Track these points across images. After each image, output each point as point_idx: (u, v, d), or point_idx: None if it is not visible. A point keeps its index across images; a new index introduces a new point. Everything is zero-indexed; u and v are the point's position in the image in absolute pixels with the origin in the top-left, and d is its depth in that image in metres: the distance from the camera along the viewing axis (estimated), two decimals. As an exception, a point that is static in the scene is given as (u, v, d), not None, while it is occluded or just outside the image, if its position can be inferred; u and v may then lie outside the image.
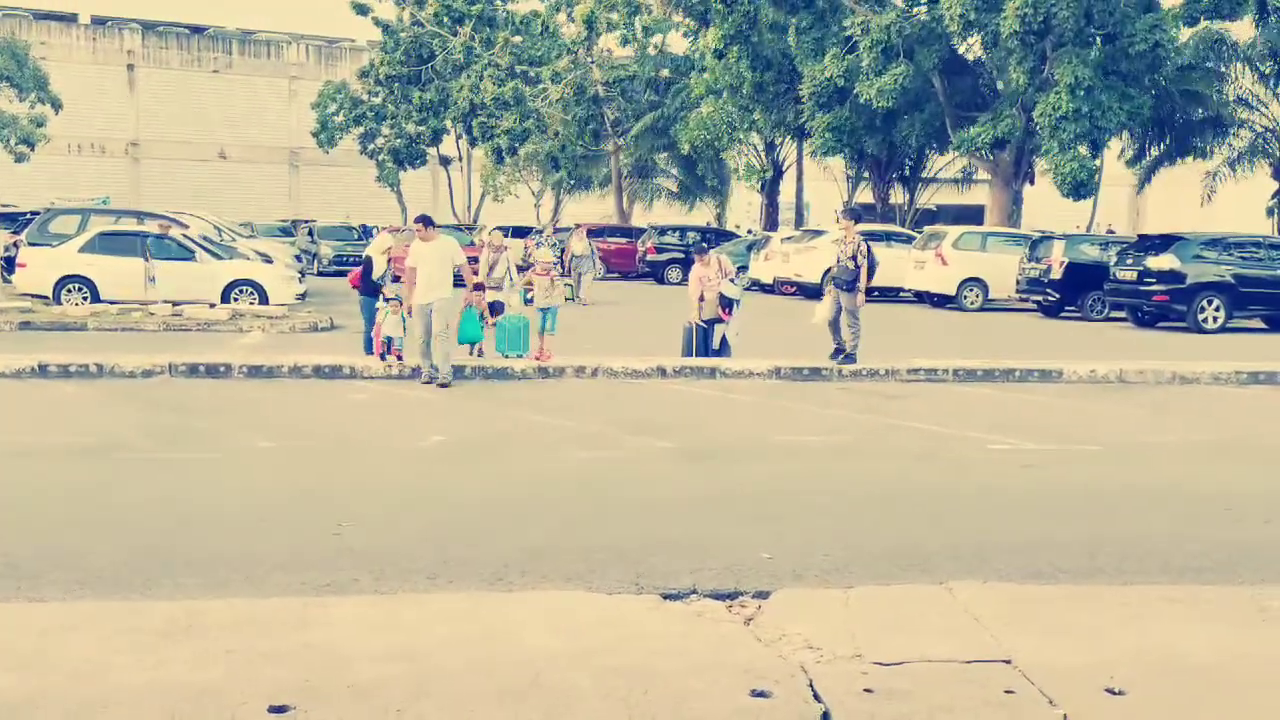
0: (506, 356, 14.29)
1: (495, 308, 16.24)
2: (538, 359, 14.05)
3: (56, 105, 24.81)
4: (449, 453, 9.67)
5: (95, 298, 19.36)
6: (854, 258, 14.38)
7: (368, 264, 14.61)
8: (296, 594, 6.01)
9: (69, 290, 19.42)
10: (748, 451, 9.90)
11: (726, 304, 14.80)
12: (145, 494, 8.05)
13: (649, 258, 36.61)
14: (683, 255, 36.19)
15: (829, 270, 14.98)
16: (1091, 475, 9.25)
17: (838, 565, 6.70)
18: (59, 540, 6.84)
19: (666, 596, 6.09)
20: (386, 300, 13.63)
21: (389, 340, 13.71)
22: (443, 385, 12.79)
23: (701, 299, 14.74)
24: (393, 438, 10.15)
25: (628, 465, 9.24)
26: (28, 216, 27.45)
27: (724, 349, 14.81)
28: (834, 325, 14.57)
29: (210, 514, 7.55)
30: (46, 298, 19.47)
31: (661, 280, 35.73)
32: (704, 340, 14.87)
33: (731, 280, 15.06)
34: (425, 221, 13.41)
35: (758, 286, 30.81)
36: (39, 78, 26.42)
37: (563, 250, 26.45)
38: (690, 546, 7.02)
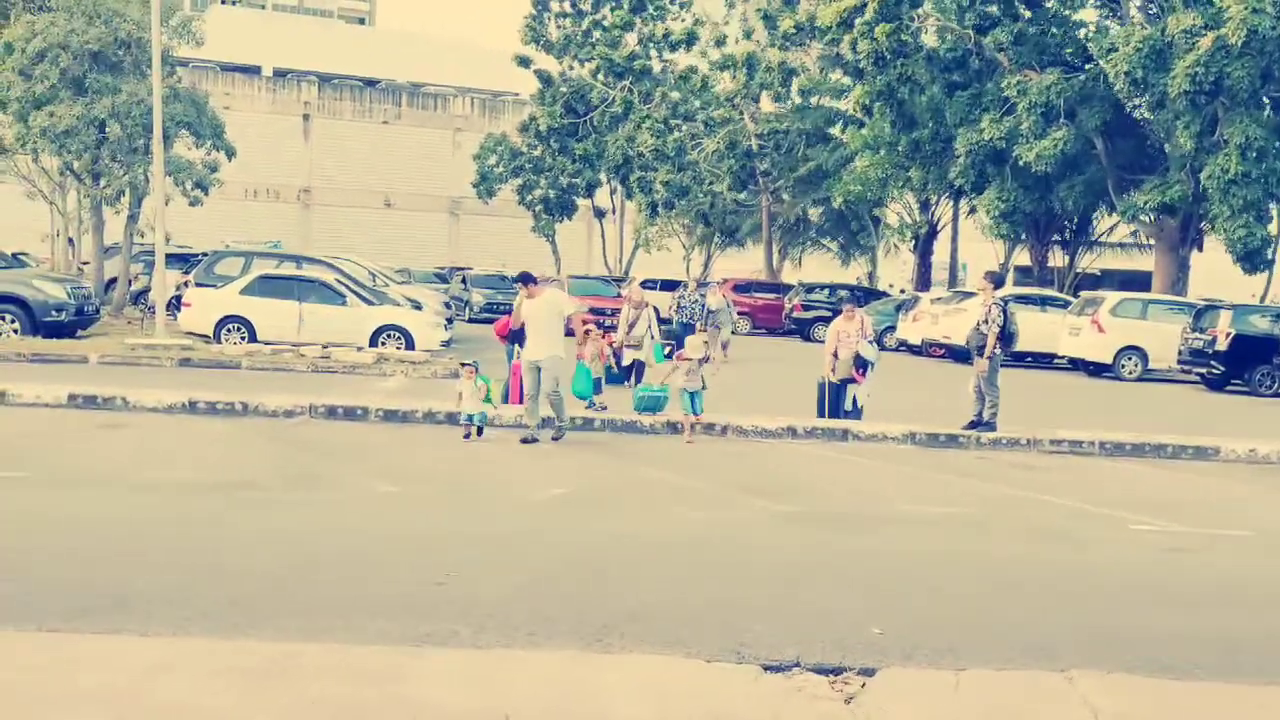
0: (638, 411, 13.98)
1: (637, 369, 16.13)
2: (687, 440, 13.14)
3: (230, 153, 26.01)
4: (566, 506, 9.64)
5: (253, 337, 20.10)
6: (986, 321, 13.95)
7: (516, 314, 14.74)
8: (395, 642, 6.00)
9: (229, 330, 20.22)
10: (870, 519, 9.60)
11: (861, 365, 14.45)
12: (263, 533, 8.21)
13: (795, 315, 36.34)
14: (830, 313, 35.78)
15: None
16: (1239, 564, 8.67)
17: (952, 645, 6.38)
18: (173, 576, 7.01)
19: (767, 668, 5.89)
20: (464, 365, 12.85)
21: (470, 418, 12.64)
22: (555, 438, 12.57)
23: (836, 355, 14.48)
24: (513, 488, 10.17)
25: (744, 528, 9.05)
26: (199, 258, 28.77)
27: (855, 411, 14.51)
28: (978, 393, 14.11)
29: (323, 556, 7.66)
30: (208, 336, 20.30)
31: (808, 338, 35.35)
32: (836, 399, 14.60)
33: (870, 341, 14.75)
34: (526, 280, 12.94)
35: (905, 348, 30.24)
36: (216, 125, 27.75)
37: (703, 306, 26.29)
38: (799, 616, 6.80)
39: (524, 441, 12.26)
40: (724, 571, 7.74)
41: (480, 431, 12.59)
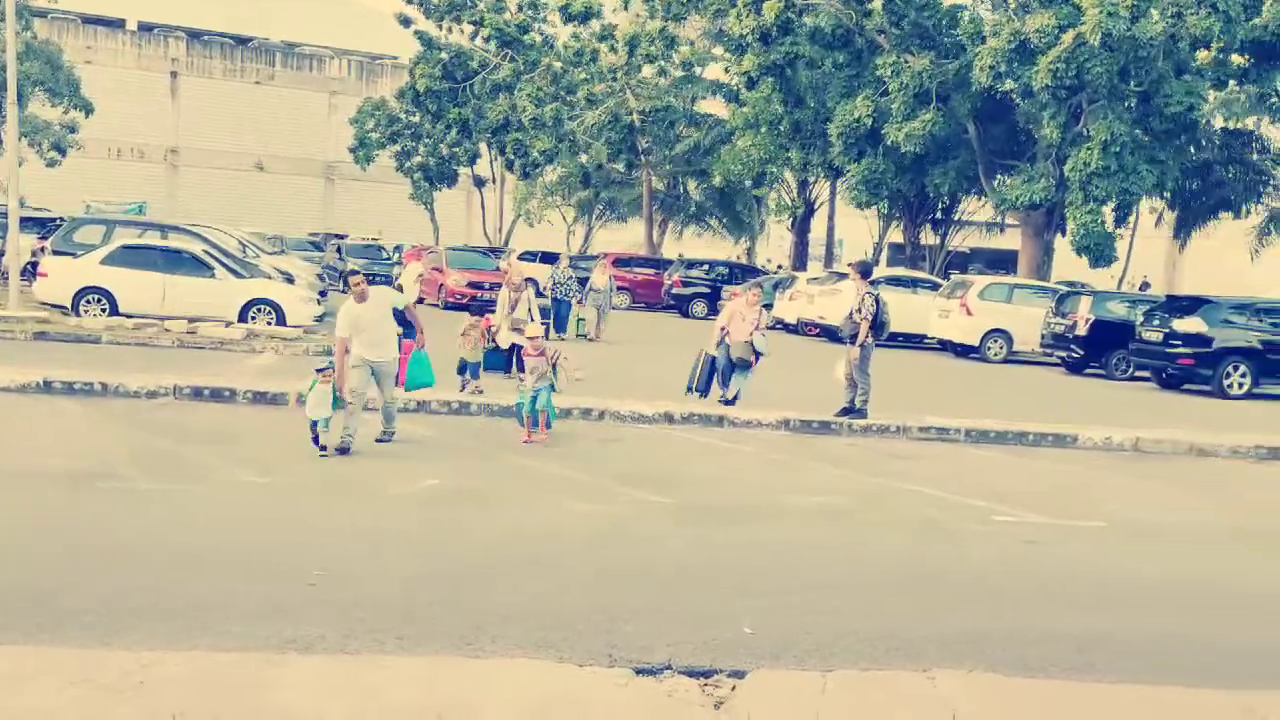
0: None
1: (518, 355, 15.17)
2: (527, 442, 11.89)
3: (88, 110, 24.98)
4: (440, 498, 9.52)
5: (114, 310, 19.37)
6: (859, 310, 14.15)
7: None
8: (260, 648, 5.87)
9: (88, 302, 19.45)
10: (745, 511, 9.70)
11: (756, 354, 14.53)
12: (124, 529, 7.95)
13: (675, 291, 36.54)
14: (709, 290, 36.12)
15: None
16: (1094, 557, 9.00)
17: (820, 645, 6.49)
18: (25, 577, 6.74)
19: (639, 671, 5.92)
20: (319, 371, 10.93)
21: (314, 424, 10.78)
22: (381, 439, 11.43)
23: (726, 333, 14.47)
24: (386, 478, 10.01)
25: (620, 522, 9.06)
26: (58, 222, 27.62)
27: (734, 401, 14.57)
28: (849, 380, 14.29)
29: (185, 554, 7.44)
30: (66, 308, 19.51)
31: (686, 314, 35.61)
32: (711, 374, 14.64)
33: (764, 334, 14.82)
34: (346, 280, 11.56)
35: (781, 326, 30.63)
36: (73, 82, 26.58)
37: (582, 283, 26.03)
38: (672, 616, 6.84)
39: (341, 451, 10.69)
40: (599, 568, 7.75)
41: (323, 446, 10.76)
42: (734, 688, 5.80)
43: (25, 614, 6.12)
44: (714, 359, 14.69)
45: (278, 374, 14.94)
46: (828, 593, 7.54)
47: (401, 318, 14.31)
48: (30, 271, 21.68)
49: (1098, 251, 28.10)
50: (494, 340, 15.71)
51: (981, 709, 5.67)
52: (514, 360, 15.94)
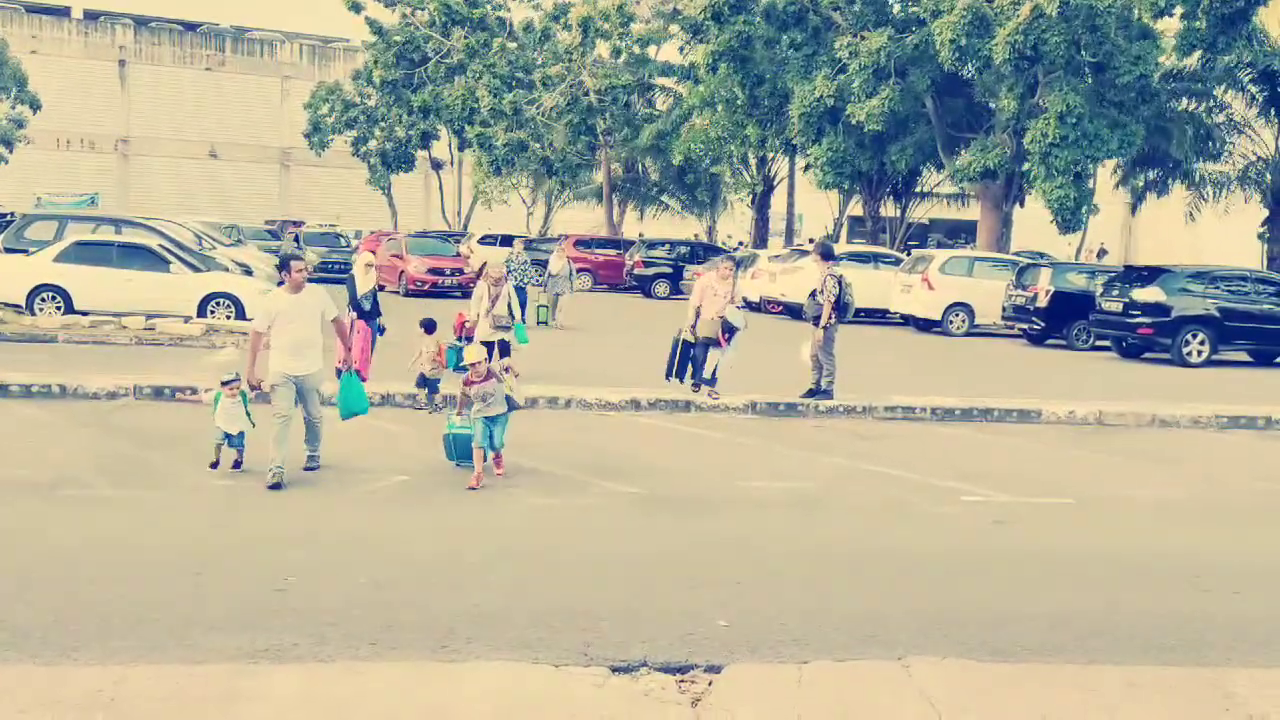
0: (458, 466, 10.11)
1: (503, 349, 14.04)
2: (473, 488, 9.53)
3: (35, 105, 24.50)
4: (406, 495, 9.46)
5: (69, 308, 19.08)
6: (821, 292, 14.10)
7: (350, 283, 14.29)
8: (231, 659, 5.80)
9: (42, 300, 19.13)
10: (714, 500, 9.70)
11: (728, 330, 13.84)
12: (87, 539, 7.83)
13: (637, 271, 36.47)
14: (671, 270, 36.08)
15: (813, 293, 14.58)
16: (1061, 535, 9.08)
17: (795, 636, 6.50)
18: (-10, 594, 6.63)
19: (615, 669, 5.91)
20: (225, 384, 9.71)
21: (226, 438, 9.70)
22: (308, 468, 9.88)
23: (698, 313, 13.89)
24: (353, 475, 9.92)
25: (589, 515, 9.03)
26: (9, 218, 27.20)
27: (712, 379, 13.98)
28: (814, 361, 14.27)
29: (150, 563, 7.34)
30: (20, 307, 19.18)
31: (649, 294, 35.56)
32: (687, 358, 14.00)
33: (740, 307, 14.22)
34: (286, 264, 9.86)
35: (745, 305, 30.60)
36: (19, 77, 26.06)
37: (536, 267, 25.32)
38: (646, 611, 6.83)
39: (272, 488, 9.18)
40: (571, 565, 7.72)
41: (238, 463, 9.76)
42: (710, 683, 5.80)
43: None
44: (688, 343, 14.04)
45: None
46: (799, 581, 7.55)
47: (365, 310, 14.12)
48: (-18, 270, 21.28)
49: (1072, 219, 28.29)
50: (470, 339, 14.27)
51: (956, 696, 5.70)
52: (496, 352, 14.53)
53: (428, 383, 13.42)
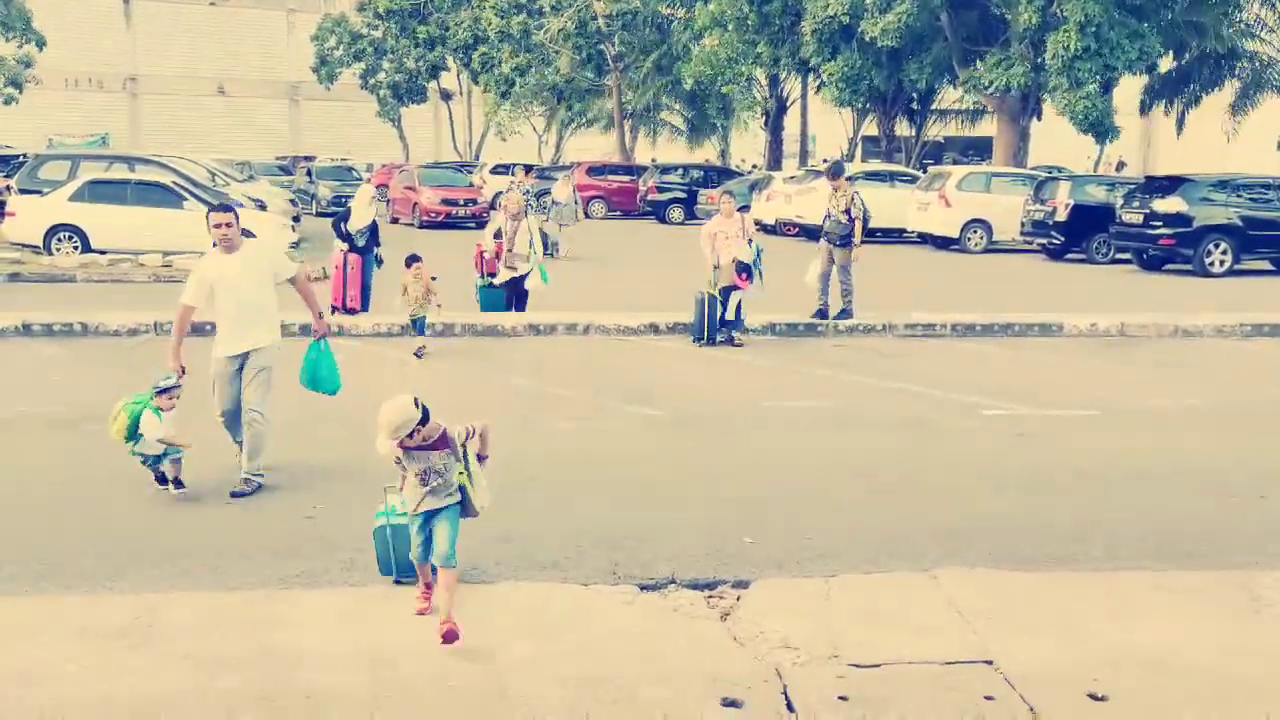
0: (397, 583, 5.97)
1: (518, 296, 13.82)
2: (422, 613, 5.57)
3: (41, 43, 24.31)
4: (432, 422, 9.48)
5: (86, 247, 19.11)
6: (847, 211, 13.82)
7: (346, 214, 14.24)
8: (263, 586, 5.86)
9: (59, 240, 19.17)
10: (736, 420, 9.70)
11: (744, 270, 13.03)
12: (117, 473, 7.86)
13: (650, 197, 36.23)
14: (685, 195, 35.82)
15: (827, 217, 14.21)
16: (1085, 445, 9.06)
17: (821, 550, 6.53)
18: (23, 527, 6.70)
19: (644, 587, 5.95)
20: (161, 391, 7.10)
21: (156, 459, 7.22)
22: (237, 493, 7.31)
23: (717, 265, 13.04)
24: (373, 404, 9.91)
25: (613, 437, 9.06)
26: (21, 159, 27.13)
27: (738, 320, 13.19)
28: (824, 280, 14.09)
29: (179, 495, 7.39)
30: (37, 247, 19.22)
31: (663, 219, 35.37)
32: (716, 317, 12.98)
33: (750, 242, 13.23)
34: (223, 212, 7.49)
35: (760, 227, 30.48)
36: (24, 15, 25.85)
37: (539, 196, 24.63)
38: (672, 530, 6.85)
39: (236, 495, 7.30)
40: (595, 486, 7.75)
41: (179, 482, 7.27)
42: (739, 598, 5.84)
43: (24, 563, 6.09)
44: (714, 298, 13.00)
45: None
46: (823, 496, 7.57)
47: (357, 244, 13.89)
48: (-3, 212, 21.31)
49: (1101, 129, 27.94)
50: (490, 276, 14.13)
51: (985, 604, 5.72)
52: (514, 301, 14.30)
53: (415, 322, 12.33)
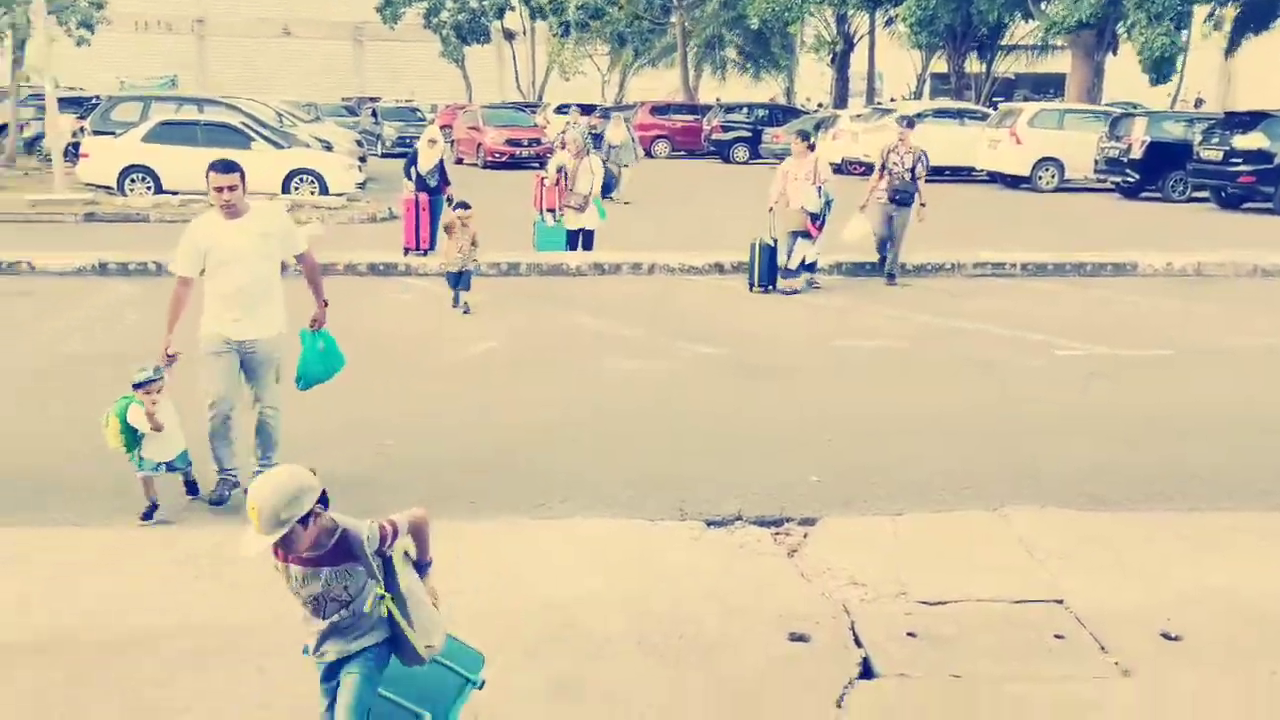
0: None
1: (585, 237, 13.57)
2: None
3: (113, -17, 24.77)
4: (497, 362, 9.54)
5: (159, 188, 19.38)
6: (912, 169, 12.82)
7: (415, 156, 14.24)
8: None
9: (132, 180, 19.45)
10: (802, 360, 9.65)
11: (814, 217, 12.42)
12: (192, 408, 8.01)
13: (715, 136, 35.87)
14: (750, 133, 35.40)
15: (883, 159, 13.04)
16: (1160, 386, 8.89)
17: (888, 491, 6.50)
18: (102, 464, 6.80)
19: (710, 524, 5.96)
20: (138, 385, 5.88)
21: (153, 470, 6.03)
22: (214, 500, 6.22)
23: (771, 208, 12.53)
24: (442, 344, 10.04)
25: (678, 377, 9.05)
26: (94, 101, 27.49)
27: (803, 268, 12.61)
28: (884, 245, 13.07)
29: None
30: (111, 188, 19.52)
31: (728, 159, 35.03)
32: (772, 263, 12.44)
33: (819, 187, 12.48)
34: (224, 171, 5.99)
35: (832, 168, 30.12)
36: (95, -43, 26.26)
37: (597, 137, 24.08)
38: (738, 469, 6.85)
39: (214, 502, 6.19)
40: (660, 425, 7.75)
41: (193, 486, 6.26)
42: (805, 535, 5.83)
43: (96, 498, 6.21)
44: (771, 247, 12.49)
45: (326, 244, 14.89)
46: (892, 438, 7.51)
47: (430, 186, 13.88)
48: (72, 153, 21.64)
49: (1166, 67, 27.19)
50: (549, 210, 13.94)
51: (1056, 543, 5.66)
52: (580, 241, 14.09)
53: (457, 278, 11.39)
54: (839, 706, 4.19)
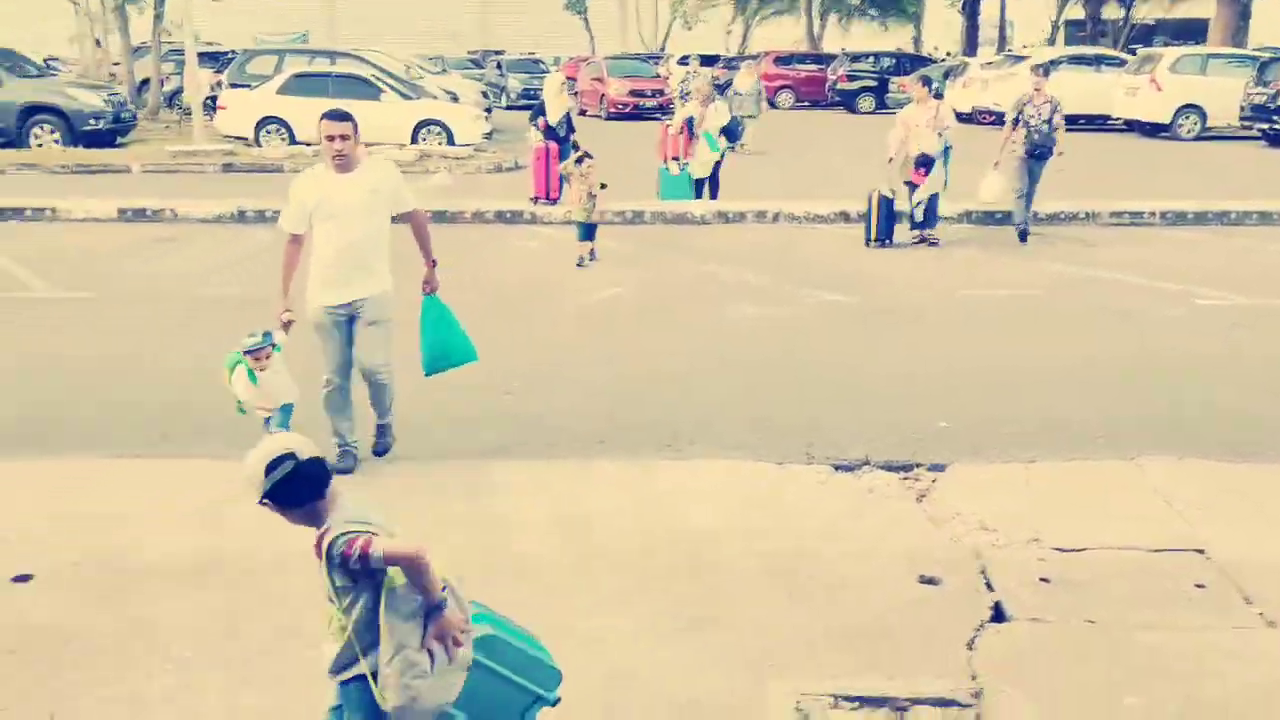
0: None
1: (713, 179, 13.60)
2: None
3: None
4: (623, 308, 9.60)
5: (293, 139, 19.88)
6: (1050, 120, 12.01)
7: (541, 107, 14.27)
8: (466, 457, 6.07)
9: (268, 131, 19.98)
10: (930, 308, 9.51)
11: (923, 163, 12.15)
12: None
13: (840, 86, 35.28)
14: (875, 83, 34.75)
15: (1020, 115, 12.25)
16: (1309, 337, 8.57)
17: (1019, 437, 6.39)
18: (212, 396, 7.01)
19: (838, 468, 5.95)
20: (249, 352, 5.77)
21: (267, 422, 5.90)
22: (377, 450, 6.21)
23: (891, 158, 12.25)
24: (568, 290, 10.14)
25: (804, 324, 9.00)
26: (230, 55, 28.22)
27: (929, 220, 12.27)
28: (1026, 201, 12.37)
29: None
30: (247, 139, 20.09)
31: (853, 109, 34.46)
32: (890, 216, 12.09)
33: (940, 134, 12.17)
34: (338, 120, 5.69)
35: (956, 116, 29.42)
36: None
37: (720, 88, 23.63)
38: (865, 414, 6.82)
39: (340, 472, 5.00)
40: (787, 371, 7.74)
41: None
42: (934, 480, 5.79)
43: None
44: (889, 200, 12.15)
45: (454, 194, 15.16)
46: (1024, 386, 7.38)
47: (560, 135, 13.91)
48: (210, 105, 22.28)
49: None
50: (674, 159, 14.00)
51: (1194, 494, 5.53)
52: (713, 186, 14.16)
53: (587, 229, 11.29)
54: (970, 649, 4.17)
